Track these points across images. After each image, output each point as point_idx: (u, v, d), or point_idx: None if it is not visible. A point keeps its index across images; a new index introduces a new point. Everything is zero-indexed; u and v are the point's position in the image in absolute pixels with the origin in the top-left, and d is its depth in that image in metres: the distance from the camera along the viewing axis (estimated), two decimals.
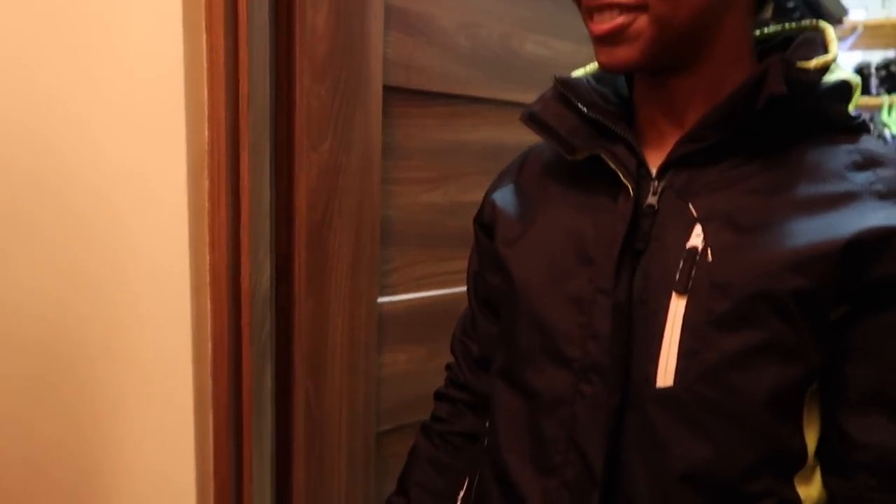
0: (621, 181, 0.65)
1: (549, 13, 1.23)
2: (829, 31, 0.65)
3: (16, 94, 0.96)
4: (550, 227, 0.71)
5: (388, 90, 1.04)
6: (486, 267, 0.81)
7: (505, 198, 0.77)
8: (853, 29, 2.97)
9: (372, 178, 1.04)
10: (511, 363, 0.72)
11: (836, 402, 0.61)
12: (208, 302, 0.89)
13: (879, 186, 0.59)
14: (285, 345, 0.99)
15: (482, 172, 1.18)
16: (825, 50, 0.62)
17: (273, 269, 0.95)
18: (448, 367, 0.90)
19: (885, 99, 2.94)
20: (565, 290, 0.67)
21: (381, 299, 1.09)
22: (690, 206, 0.62)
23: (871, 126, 3.04)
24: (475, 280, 0.84)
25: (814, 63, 0.60)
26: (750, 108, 0.59)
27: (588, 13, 0.62)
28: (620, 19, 0.59)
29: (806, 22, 0.68)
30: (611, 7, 0.60)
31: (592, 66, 0.74)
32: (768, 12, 0.69)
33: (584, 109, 0.68)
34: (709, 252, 0.60)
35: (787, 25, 0.70)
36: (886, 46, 3.30)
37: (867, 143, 0.63)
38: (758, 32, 0.70)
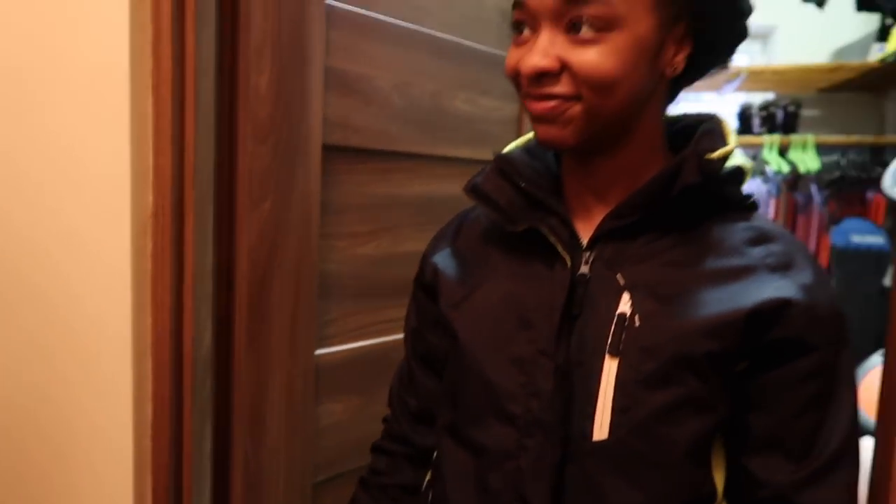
0: (557, 251, 0.71)
1: (476, 72, 1.29)
2: (726, 123, 0.75)
3: None
4: (492, 292, 0.76)
5: (327, 148, 1.06)
6: (425, 326, 0.85)
7: (445, 261, 0.82)
8: (738, 74, 3.22)
9: (311, 234, 1.06)
10: (457, 420, 0.76)
11: (740, 445, 0.70)
12: (150, 365, 0.88)
13: (770, 260, 0.69)
14: (224, 403, 0.99)
15: (415, 224, 1.23)
16: (724, 140, 0.71)
17: (213, 329, 0.95)
18: (385, 419, 0.93)
19: (766, 138, 3.19)
20: (508, 351, 0.72)
21: (319, 351, 1.11)
22: (618, 275, 0.70)
23: (756, 164, 3.31)
24: (414, 337, 0.88)
25: (718, 154, 0.69)
26: (667, 193, 0.68)
27: (527, 97, 0.68)
28: (555, 103, 0.66)
29: (704, 113, 0.78)
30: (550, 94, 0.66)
31: (524, 140, 0.80)
32: (675, 101, 0.78)
33: (522, 184, 0.74)
34: (636, 318, 0.68)
35: (690, 113, 0.80)
36: (766, 89, 3.60)
37: (758, 220, 0.73)
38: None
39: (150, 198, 0.85)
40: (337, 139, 1.08)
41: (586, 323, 0.69)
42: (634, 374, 0.66)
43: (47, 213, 0.88)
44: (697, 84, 0.76)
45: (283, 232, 1.02)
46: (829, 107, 3.51)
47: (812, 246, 3.14)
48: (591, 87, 0.65)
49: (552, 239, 0.71)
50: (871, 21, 3.07)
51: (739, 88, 3.46)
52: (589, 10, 0.63)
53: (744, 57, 3.66)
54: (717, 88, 3.37)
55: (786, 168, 3.12)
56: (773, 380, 0.68)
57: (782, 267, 0.68)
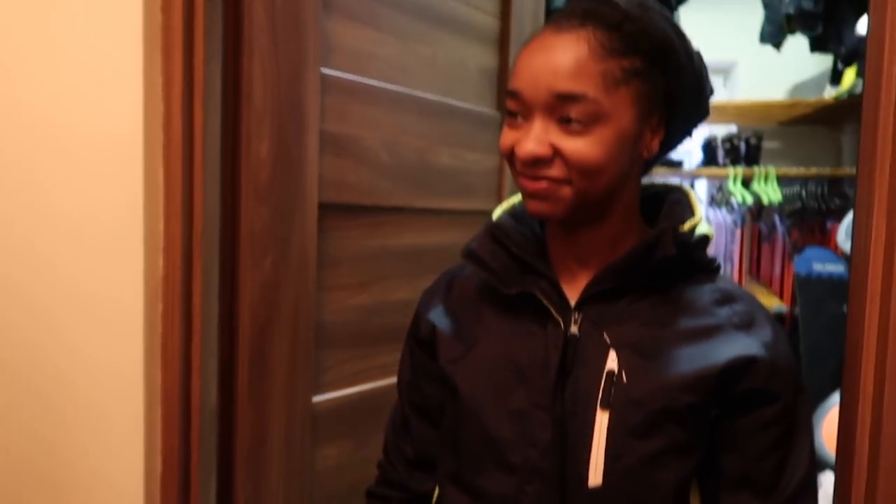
0: (549, 312, 0.79)
1: (459, 128, 1.37)
2: (691, 193, 0.84)
3: None
4: (489, 348, 0.83)
5: (322, 206, 1.13)
6: (421, 378, 0.91)
7: (440, 319, 0.88)
8: None
9: (307, 287, 1.12)
10: (459, 468, 0.83)
11: (714, 484, 0.79)
12: (160, 419, 0.93)
13: (735, 319, 0.78)
14: (227, 450, 1.03)
15: (404, 274, 1.29)
16: (691, 210, 0.80)
17: (217, 382, 1.00)
18: (379, 465, 0.98)
19: (731, 170, 3.33)
20: (507, 404, 0.79)
21: (316, 398, 1.16)
22: (605, 334, 0.77)
23: (723, 197, 3.43)
24: (409, 388, 0.93)
25: (688, 225, 0.78)
26: (646, 262, 0.77)
27: (521, 175, 0.76)
28: (547, 184, 0.74)
29: (671, 184, 0.87)
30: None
31: (509, 205, 0.88)
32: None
33: (513, 249, 0.81)
34: (623, 375, 0.76)
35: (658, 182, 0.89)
36: (729, 122, 3.75)
37: (722, 281, 0.82)
38: None
39: (161, 262, 0.91)
40: (331, 197, 1.14)
41: (578, 378, 0.77)
42: (624, 426, 0.74)
43: (62, 278, 0.93)
44: None
45: (282, 286, 1.07)
46: (789, 139, 3.67)
47: (777, 273, 3.27)
48: (580, 172, 0.73)
49: (546, 303, 0.79)
50: (826, 59, 3.23)
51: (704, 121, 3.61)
52: (579, 107, 0.71)
53: None
54: None
55: (750, 199, 3.25)
56: (742, 426, 0.77)
57: (746, 325, 0.77)
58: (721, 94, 4.01)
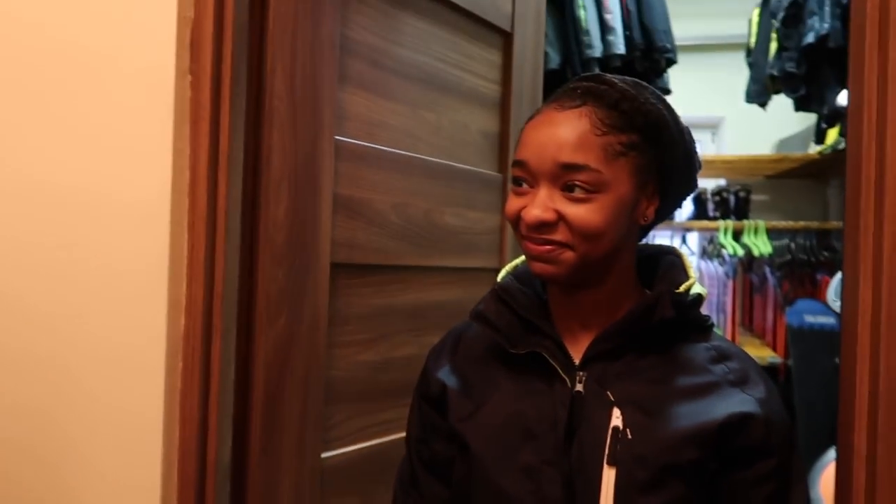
0: (556, 370, 0.83)
1: (462, 189, 1.43)
2: (685, 256, 0.90)
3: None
4: (499, 406, 0.86)
5: (334, 266, 1.17)
6: (430, 436, 0.94)
7: (449, 378, 0.92)
8: None
9: (318, 345, 1.15)
10: None
11: None
12: (176, 477, 0.95)
13: (731, 377, 0.83)
14: None
15: (409, 331, 1.33)
16: (685, 272, 0.85)
17: (231, 439, 1.03)
18: None
19: (721, 223, 3.41)
20: (516, 461, 0.82)
21: (324, 454, 1.18)
22: (608, 392, 0.81)
23: (714, 249, 3.49)
24: (418, 446, 0.96)
25: (684, 287, 0.83)
26: (645, 323, 0.81)
27: (526, 238, 0.81)
28: (551, 247, 0.79)
29: (665, 245, 0.93)
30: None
31: (511, 267, 0.93)
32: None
33: (520, 312, 0.86)
34: (628, 431, 0.79)
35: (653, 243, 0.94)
36: (718, 176, 3.86)
37: (716, 339, 0.87)
38: None
39: (182, 322, 0.95)
40: (342, 257, 1.18)
41: (584, 435, 0.80)
42: (631, 482, 0.78)
43: (87, 336, 0.96)
44: None
45: (295, 344, 1.11)
46: (777, 192, 3.77)
47: (769, 324, 3.32)
48: (583, 236, 0.78)
49: (553, 363, 0.83)
50: (811, 115, 3.35)
51: None
52: (581, 177, 0.77)
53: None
54: None
55: (741, 251, 3.32)
56: (738, 481, 0.80)
57: (740, 382, 0.82)
58: (709, 148, 4.13)
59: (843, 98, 2.35)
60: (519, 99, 1.58)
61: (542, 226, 0.78)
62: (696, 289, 0.85)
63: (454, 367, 0.93)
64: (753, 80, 3.02)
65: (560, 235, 0.79)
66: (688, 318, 0.84)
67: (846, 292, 0.91)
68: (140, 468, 0.94)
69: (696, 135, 0.90)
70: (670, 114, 0.84)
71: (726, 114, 4.06)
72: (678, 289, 0.83)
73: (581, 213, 0.77)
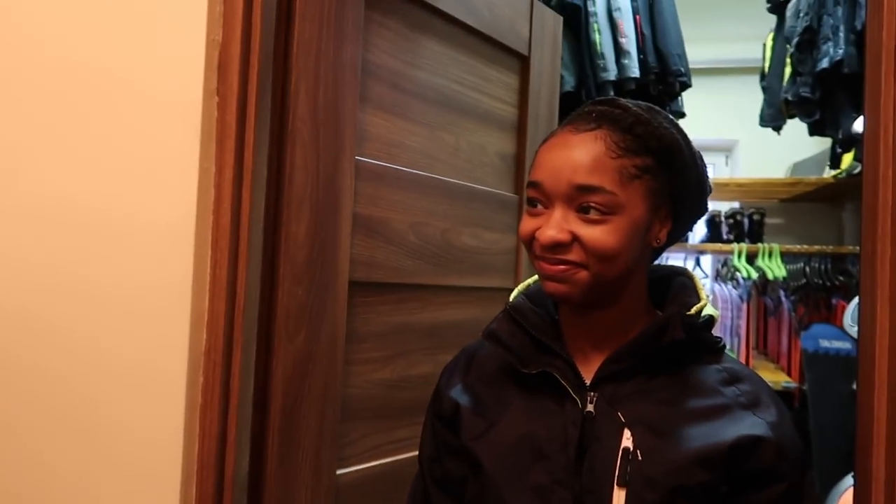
0: (567, 390, 0.83)
1: (479, 210, 1.45)
2: (696, 277, 0.90)
3: (25, 288, 1.03)
4: (511, 425, 0.87)
5: (352, 284, 1.19)
6: (443, 454, 0.95)
7: (462, 397, 0.93)
8: None
9: (336, 362, 1.16)
10: None
11: None
12: (194, 491, 0.96)
13: (742, 399, 0.83)
14: None
15: (425, 349, 1.34)
16: (697, 294, 0.86)
17: (249, 454, 1.04)
18: None
19: (735, 246, 3.40)
20: (527, 480, 0.83)
21: (339, 471, 1.19)
22: (619, 413, 0.82)
23: (728, 272, 3.48)
24: (431, 464, 0.97)
25: (695, 309, 0.84)
26: (656, 344, 0.82)
27: (540, 259, 0.82)
28: (566, 267, 0.80)
29: (676, 266, 0.94)
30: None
31: (524, 286, 0.94)
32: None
33: (532, 332, 0.86)
34: (638, 453, 0.80)
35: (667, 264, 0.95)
36: (731, 199, 3.85)
37: (727, 361, 0.87)
38: None
39: (204, 337, 0.96)
40: (361, 276, 1.20)
41: (595, 456, 0.81)
42: (640, 503, 0.78)
43: (110, 352, 0.98)
44: None
45: (313, 361, 1.12)
46: (791, 216, 3.76)
47: (784, 348, 3.29)
48: (597, 257, 0.79)
49: (564, 383, 0.83)
50: (826, 139, 3.35)
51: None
52: (596, 198, 0.78)
53: (709, 168, 3.93)
54: None
55: (755, 274, 3.31)
56: (750, 501, 0.80)
57: (751, 405, 0.82)
58: (723, 171, 4.13)
59: (858, 125, 2.35)
60: (535, 121, 1.60)
61: (557, 246, 0.80)
62: (708, 310, 0.86)
63: (467, 385, 0.93)
64: (768, 104, 3.03)
65: (574, 256, 0.80)
66: (699, 339, 0.85)
67: (863, 317, 0.91)
68: (159, 481, 0.95)
69: (710, 158, 0.92)
70: (683, 138, 0.85)
71: (740, 137, 4.07)
72: (689, 310, 0.83)
73: (596, 234, 0.79)
